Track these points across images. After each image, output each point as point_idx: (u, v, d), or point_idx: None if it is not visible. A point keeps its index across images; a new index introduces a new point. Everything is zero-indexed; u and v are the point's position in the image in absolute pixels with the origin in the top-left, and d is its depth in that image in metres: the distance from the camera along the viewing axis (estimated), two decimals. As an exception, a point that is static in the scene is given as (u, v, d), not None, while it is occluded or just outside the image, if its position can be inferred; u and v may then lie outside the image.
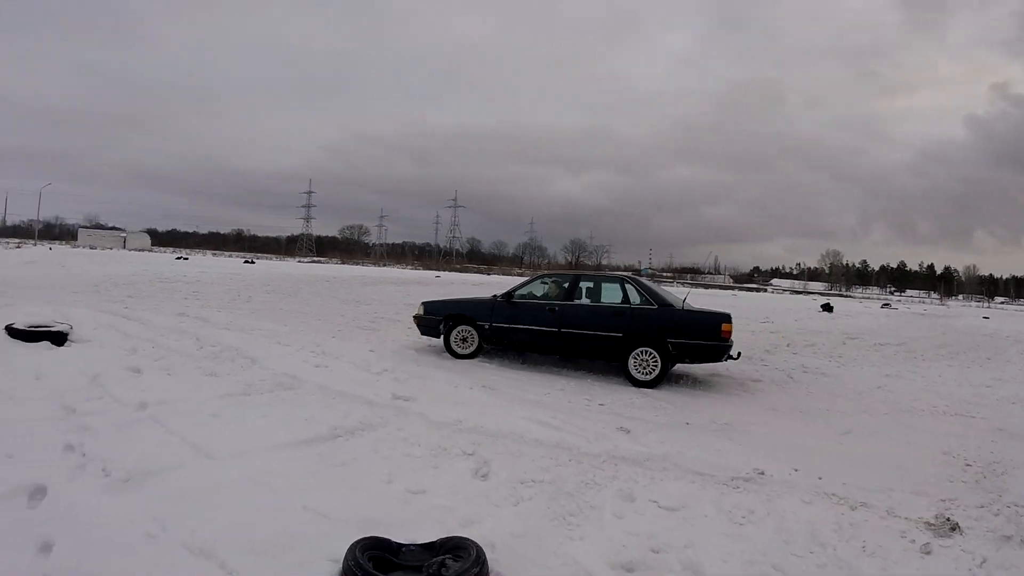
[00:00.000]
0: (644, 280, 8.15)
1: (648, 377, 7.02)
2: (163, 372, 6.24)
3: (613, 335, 7.19)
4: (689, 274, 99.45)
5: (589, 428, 4.88)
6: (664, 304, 7.31)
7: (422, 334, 8.72)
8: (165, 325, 8.95)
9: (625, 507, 3.43)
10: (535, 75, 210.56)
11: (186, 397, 5.34)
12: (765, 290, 75.64)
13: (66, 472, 3.69)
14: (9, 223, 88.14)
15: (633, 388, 6.99)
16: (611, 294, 7.64)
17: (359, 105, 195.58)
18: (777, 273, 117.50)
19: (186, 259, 43.03)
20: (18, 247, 42.13)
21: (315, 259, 79.18)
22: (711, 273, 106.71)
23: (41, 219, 78.89)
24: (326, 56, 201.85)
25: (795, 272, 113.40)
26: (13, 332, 7.35)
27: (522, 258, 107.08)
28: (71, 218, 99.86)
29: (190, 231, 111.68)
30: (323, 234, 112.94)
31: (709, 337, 6.93)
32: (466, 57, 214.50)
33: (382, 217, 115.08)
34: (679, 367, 8.15)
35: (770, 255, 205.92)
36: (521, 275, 51.78)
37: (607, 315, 7.34)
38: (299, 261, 68.65)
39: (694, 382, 7.79)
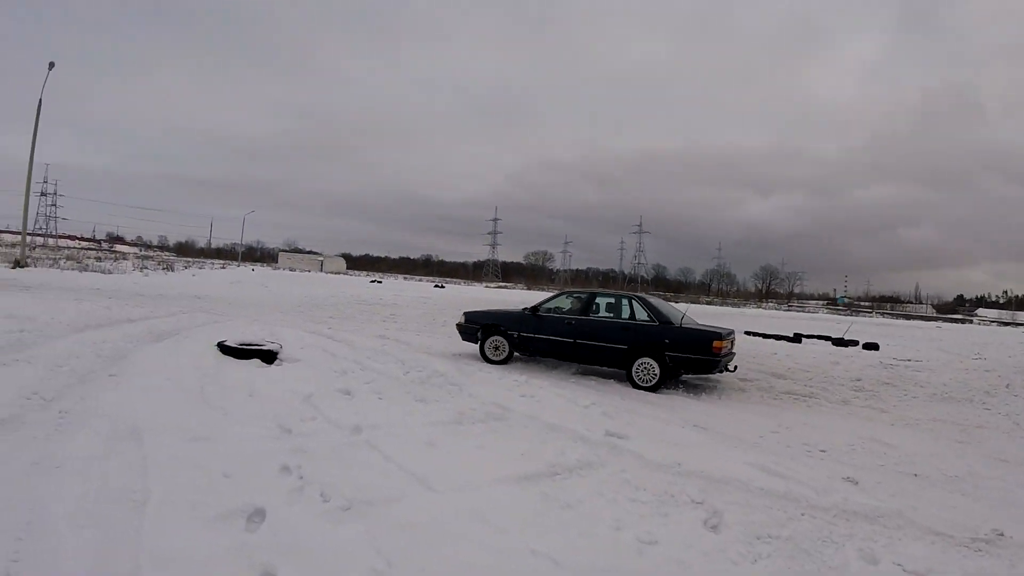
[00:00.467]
0: (650, 299, 12.45)
1: (648, 384, 11.16)
2: (374, 395, 8.44)
3: (619, 347, 11.58)
4: (888, 303, 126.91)
5: (815, 477, 6.19)
6: (665, 321, 11.48)
7: (463, 340, 13.67)
8: (370, 347, 12.43)
9: (870, 570, 4.37)
10: (717, 93, 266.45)
11: (399, 422, 7.15)
12: (970, 321, 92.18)
13: (284, 495, 4.92)
14: (215, 245, 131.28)
15: (859, 433, 9.11)
16: (620, 310, 12.20)
17: (541, 132, 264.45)
18: (982, 302, 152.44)
19: (380, 282, 61.01)
20: (223, 268, 58.95)
21: (501, 284, 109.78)
22: (911, 302, 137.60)
23: (244, 242, 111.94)
24: (508, 85, 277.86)
25: (1002, 300, 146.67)
26: (225, 349, 10.31)
27: (709, 285, 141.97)
28: (271, 242, 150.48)
29: (382, 256, 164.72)
30: (508, 260, 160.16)
31: (701, 352, 10.88)
32: (645, 79, 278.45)
33: (566, 243, 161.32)
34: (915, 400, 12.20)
35: (974, 282, 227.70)
36: (709, 303, 70.79)
37: (615, 329, 11.78)
38: (486, 286, 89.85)
39: (916, 422, 10.24)
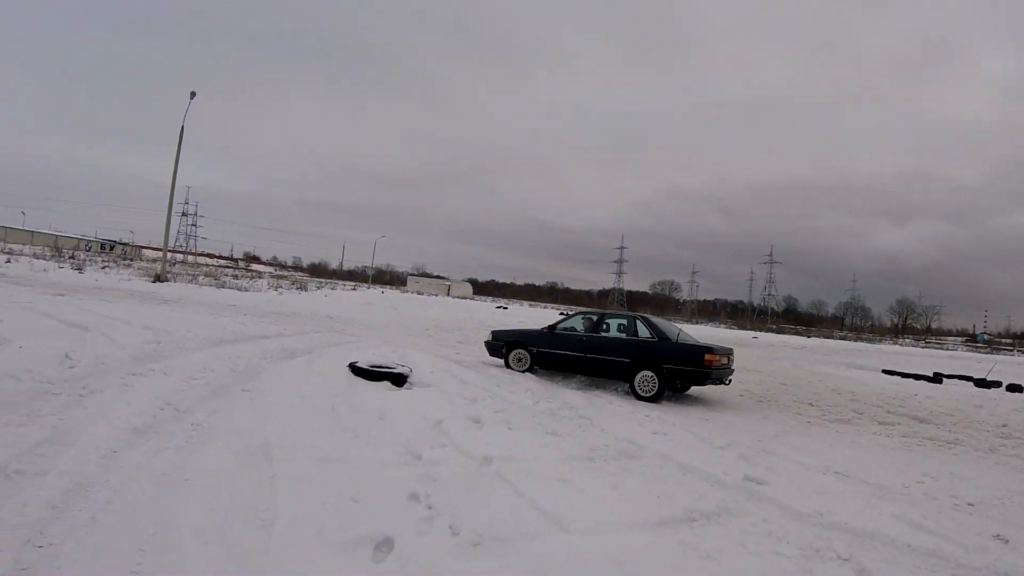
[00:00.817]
0: (652, 318, 14.48)
1: (648, 395, 12.72)
2: (504, 425, 8.49)
3: (623, 360, 13.26)
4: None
5: (964, 534, 6.02)
6: (663, 337, 13.21)
7: (489, 355, 15.77)
8: (498, 375, 12.86)
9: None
10: (846, 117, 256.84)
11: (530, 455, 7.15)
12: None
13: (412, 525, 4.95)
14: (346, 267, 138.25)
15: (1008, 485, 8.77)
16: (625, 328, 14.06)
17: (668, 160, 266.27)
18: None
19: (505, 308, 62.63)
20: (354, 289, 61.61)
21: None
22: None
23: (375, 265, 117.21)
24: (635, 113, 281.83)
25: None
26: (357, 370, 10.66)
27: (843, 319, 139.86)
28: (400, 265, 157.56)
29: (508, 282, 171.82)
30: (634, 288, 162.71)
31: (694, 364, 12.55)
32: (772, 103, 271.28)
33: (694, 273, 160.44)
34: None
35: None
36: (842, 338, 72.40)
37: (620, 345, 13.49)
38: None
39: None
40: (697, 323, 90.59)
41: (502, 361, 15.30)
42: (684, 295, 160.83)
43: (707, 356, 12.62)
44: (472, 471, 6.39)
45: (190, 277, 42.52)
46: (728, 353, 13.64)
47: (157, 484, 5.23)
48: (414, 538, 4.75)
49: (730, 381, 14.14)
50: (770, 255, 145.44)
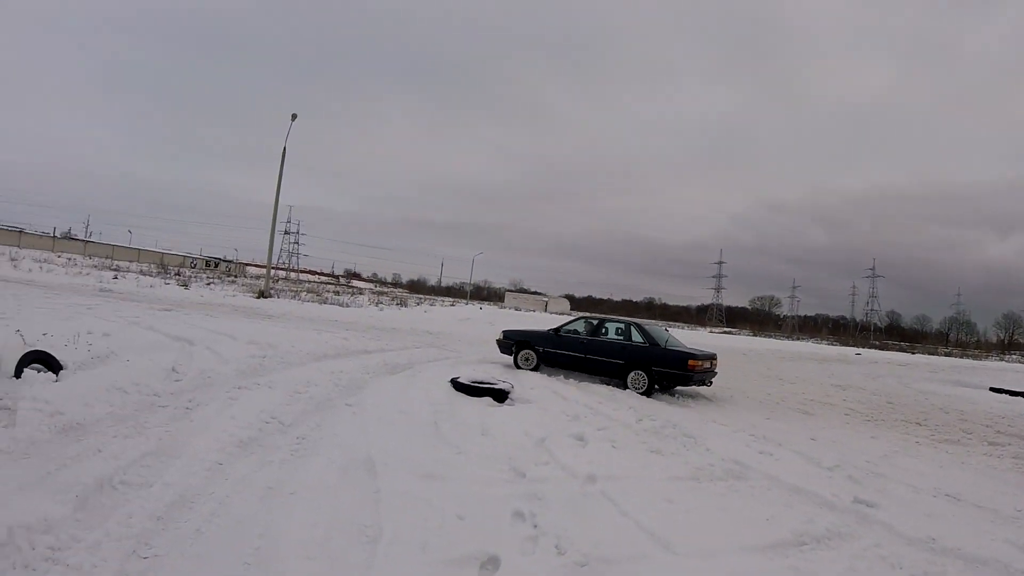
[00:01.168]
0: (645, 325, 16.06)
1: (640, 390, 14.19)
2: (607, 443, 8.33)
3: (617, 362, 14.89)
4: None
5: None
6: (654, 343, 14.83)
7: (500, 352, 17.33)
8: (599, 391, 12.85)
9: None
10: (948, 123, 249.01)
11: (635, 475, 7.01)
12: None
13: (518, 543, 4.86)
14: (444, 283, 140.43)
15: None
16: (621, 333, 15.64)
17: (765, 171, 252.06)
18: None
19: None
20: (452, 305, 62.39)
21: (726, 329, 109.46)
22: None
23: (472, 281, 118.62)
24: (730, 123, 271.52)
25: None
26: (458, 386, 10.76)
27: (947, 335, 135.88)
28: (498, 281, 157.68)
29: (604, 297, 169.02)
30: (733, 304, 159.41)
31: (678, 368, 13.99)
32: (873, 111, 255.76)
33: (794, 288, 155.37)
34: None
35: None
36: (947, 354, 71.14)
37: (616, 348, 15.12)
38: (710, 331, 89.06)
39: None
40: (798, 339, 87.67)
41: (511, 357, 16.85)
42: (784, 311, 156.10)
43: (690, 361, 14.12)
44: (576, 490, 6.30)
45: (293, 293, 43.81)
46: (711, 358, 15.25)
47: (262, 497, 5.29)
48: (520, 557, 4.68)
49: (711, 383, 15.49)
50: (872, 269, 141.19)
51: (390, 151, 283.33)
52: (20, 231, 79.63)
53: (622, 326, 15.99)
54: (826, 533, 5.77)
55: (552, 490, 6.18)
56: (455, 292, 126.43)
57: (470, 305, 69.39)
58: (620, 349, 15.06)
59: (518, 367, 16.24)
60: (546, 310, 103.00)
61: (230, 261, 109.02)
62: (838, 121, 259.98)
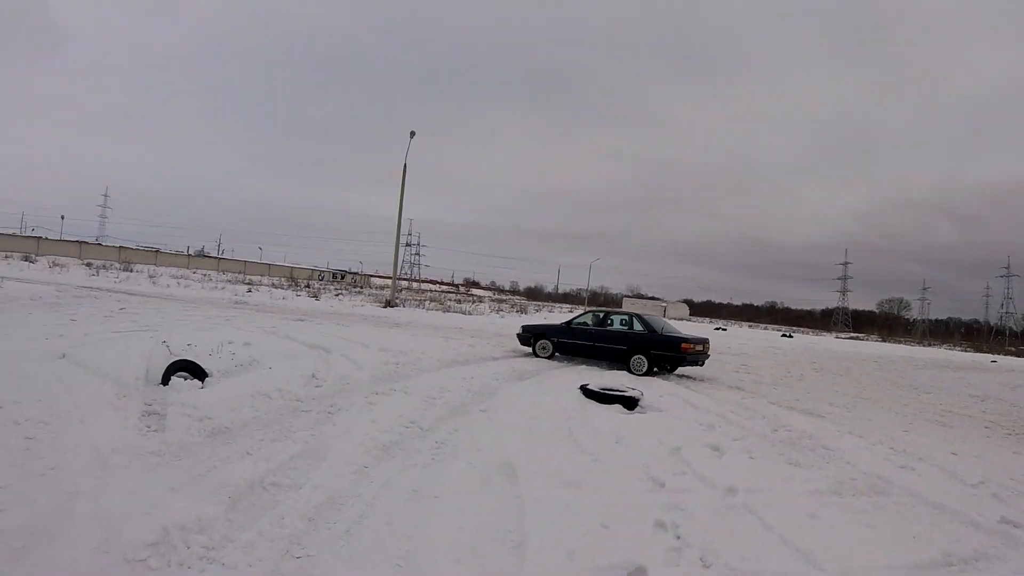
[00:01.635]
0: (644, 315, 18.85)
1: (640, 373, 16.25)
2: (744, 454, 8.07)
3: (621, 347, 17.16)
4: None
5: None
6: (652, 330, 17.36)
7: (520, 344, 19.08)
8: (730, 400, 12.39)
9: None
10: None
11: (775, 488, 6.75)
12: None
13: (662, 554, 4.75)
14: (561, 291, 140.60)
15: None
16: (624, 323, 18.16)
17: (891, 167, 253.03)
18: None
19: (724, 330, 59.58)
20: (570, 312, 62.61)
21: (853, 335, 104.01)
22: None
23: (589, 288, 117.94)
24: (850, 118, 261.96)
25: None
26: (588, 393, 10.65)
27: None
28: (614, 287, 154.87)
29: (724, 302, 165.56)
30: (860, 307, 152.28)
31: (672, 351, 16.54)
32: (1001, 98, 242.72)
33: (924, 289, 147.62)
34: None
35: None
36: None
37: (620, 336, 17.51)
38: (836, 336, 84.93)
39: None
40: (929, 345, 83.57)
41: (530, 348, 18.80)
42: (914, 314, 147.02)
43: (683, 345, 16.44)
44: (717, 502, 6.13)
45: (417, 302, 44.82)
46: (703, 342, 17.41)
47: (407, 500, 5.37)
48: (664, 568, 4.58)
49: (704, 363, 17.84)
50: (1007, 268, 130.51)
51: (503, 162, 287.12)
52: (156, 250, 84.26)
53: (625, 317, 18.54)
54: (973, 554, 5.50)
55: (692, 501, 6.03)
56: (572, 299, 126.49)
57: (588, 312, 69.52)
58: (623, 336, 17.41)
59: (536, 355, 18.27)
60: (664, 315, 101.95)
61: (355, 273, 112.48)
62: (967, 110, 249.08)
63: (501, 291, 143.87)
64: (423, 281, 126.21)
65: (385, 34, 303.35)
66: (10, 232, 76.97)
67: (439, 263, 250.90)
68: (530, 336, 19.14)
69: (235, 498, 5.01)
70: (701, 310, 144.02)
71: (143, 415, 6.92)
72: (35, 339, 9.58)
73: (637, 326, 17.61)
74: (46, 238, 75.64)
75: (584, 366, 16.58)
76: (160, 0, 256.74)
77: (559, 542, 4.74)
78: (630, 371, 16.43)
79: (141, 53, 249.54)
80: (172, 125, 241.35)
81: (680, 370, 17.59)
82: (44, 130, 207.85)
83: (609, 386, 11.02)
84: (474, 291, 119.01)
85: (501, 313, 41.81)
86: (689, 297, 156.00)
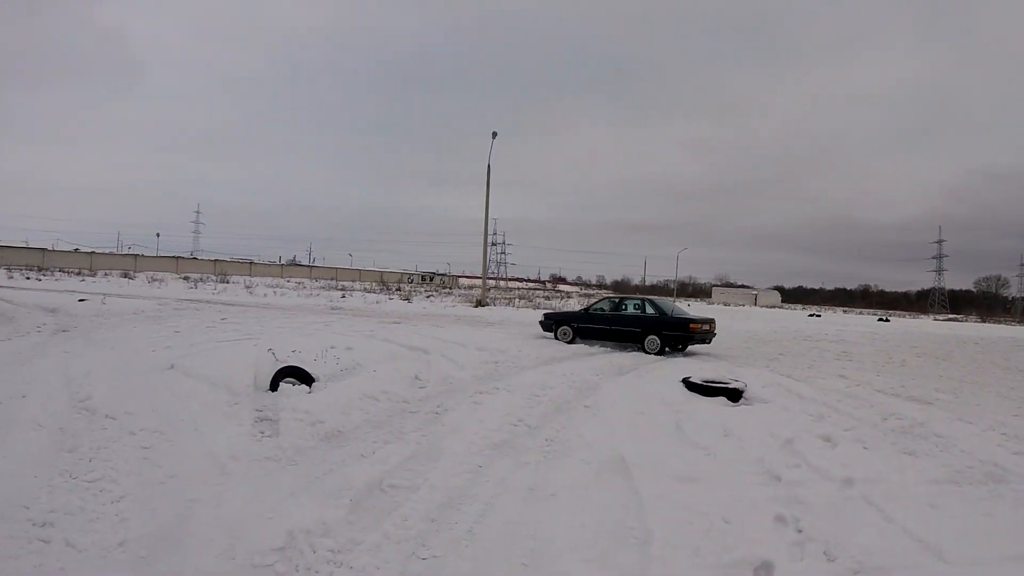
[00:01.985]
0: (656, 300, 20.77)
1: (654, 352, 17.62)
2: (857, 444, 7.79)
3: (636, 329, 18.66)
4: None
5: None
6: (663, 313, 19.05)
7: (543, 331, 20.32)
8: (834, 388, 11.89)
9: None
10: None
11: (891, 478, 6.52)
12: None
13: (785, 549, 4.65)
14: (648, 283, 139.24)
15: None
16: (637, 308, 19.69)
17: (979, 138, 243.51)
18: None
19: (819, 316, 58.09)
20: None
21: (951, 316, 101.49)
22: None
23: (677, 279, 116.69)
24: (936, 89, 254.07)
25: None
26: (691, 385, 10.48)
27: None
28: (702, 277, 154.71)
29: (815, 287, 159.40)
30: (957, 287, 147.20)
31: (681, 331, 18.02)
32: None
33: (1022, 265, 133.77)
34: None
35: None
36: None
37: (634, 319, 19.01)
38: (934, 319, 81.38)
39: None
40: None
41: (552, 334, 19.92)
42: (1013, 292, 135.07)
43: (691, 325, 17.92)
44: (835, 494, 5.97)
45: (507, 301, 45.00)
46: (709, 322, 19.07)
47: (524, 498, 5.38)
48: (790, 563, 4.50)
49: (711, 341, 19.23)
50: None
51: (583, 156, 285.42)
52: (250, 262, 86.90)
53: (638, 302, 19.95)
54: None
55: (810, 494, 5.89)
56: (660, 290, 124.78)
57: (677, 303, 68.82)
58: (637, 319, 18.83)
59: (556, 339, 19.47)
60: (755, 303, 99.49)
61: (444, 274, 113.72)
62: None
63: (588, 286, 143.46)
64: (510, 280, 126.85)
65: (456, 35, 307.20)
66: (109, 251, 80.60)
67: (524, 261, 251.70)
68: (551, 323, 20.36)
69: (355, 501, 5.10)
70: (793, 296, 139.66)
71: (256, 421, 7.10)
72: (142, 351, 9.95)
73: (649, 310, 19.20)
74: (143, 255, 78.80)
75: (682, 359, 16.33)
76: (239, 27, 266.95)
77: (683, 538, 4.68)
78: (644, 351, 17.84)
79: (225, 76, 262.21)
80: (258, 141, 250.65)
81: (780, 361, 17.07)
82: (137, 155, 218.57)
83: (711, 378, 10.79)
84: (560, 287, 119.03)
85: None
86: (779, 284, 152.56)
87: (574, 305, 40.98)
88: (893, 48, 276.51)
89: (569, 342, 19.24)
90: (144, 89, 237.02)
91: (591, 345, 18.56)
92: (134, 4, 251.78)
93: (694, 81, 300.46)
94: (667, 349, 17.92)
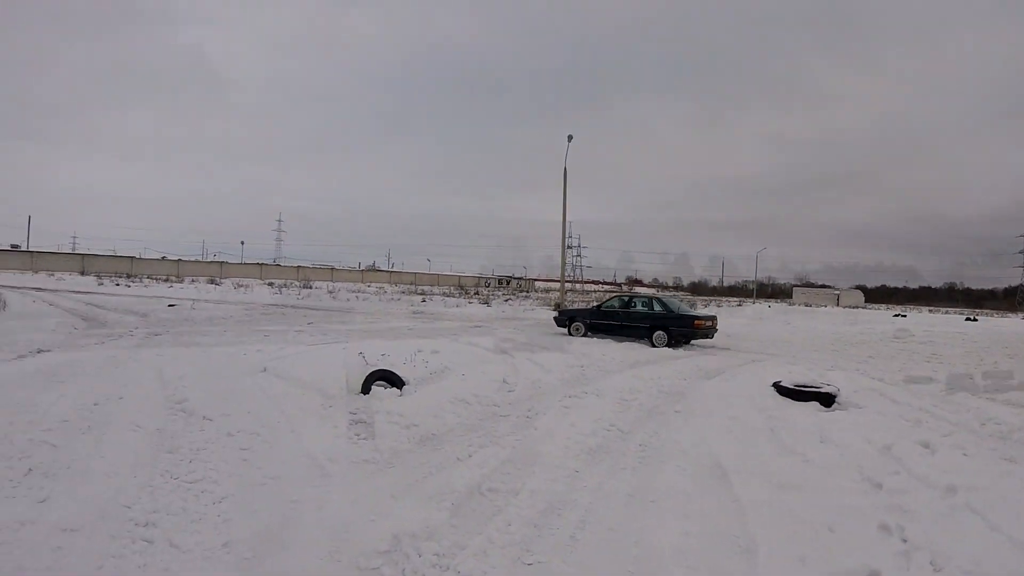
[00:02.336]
0: (664, 297, 22.80)
1: (661, 345, 19.20)
2: (957, 451, 7.43)
3: (644, 325, 20.43)
4: None
5: None
6: (669, 310, 21.11)
7: (557, 327, 22.43)
8: (930, 393, 11.52)
9: None
10: None
11: (994, 486, 6.12)
12: None
13: (891, 559, 4.49)
14: (726, 283, 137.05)
15: None
16: (647, 305, 21.78)
17: None
18: None
19: (904, 316, 55.22)
20: (739, 305, 60.90)
21: None
22: None
23: (756, 280, 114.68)
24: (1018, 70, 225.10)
25: None
26: (782, 390, 10.20)
27: None
28: (781, 277, 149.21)
29: (899, 286, 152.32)
30: None
31: (686, 326, 19.97)
32: None
33: None
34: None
35: None
36: None
37: (643, 315, 21.03)
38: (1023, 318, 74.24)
39: None
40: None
41: (565, 329, 21.68)
42: None
43: (696, 321, 19.73)
44: (938, 502, 5.69)
45: (584, 303, 44.86)
46: (712, 319, 20.68)
47: (624, 504, 5.33)
48: (897, 573, 4.35)
49: (713, 336, 20.65)
50: None
51: (658, 156, 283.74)
52: (332, 268, 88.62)
53: (646, 299, 21.92)
54: None
55: (912, 502, 5.64)
56: (738, 291, 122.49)
57: (757, 304, 67.26)
58: (645, 316, 20.45)
59: (570, 335, 21.10)
60: (838, 304, 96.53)
61: (520, 278, 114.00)
62: None
63: (665, 287, 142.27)
64: (586, 282, 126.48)
65: (526, 38, 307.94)
66: (194, 259, 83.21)
67: (600, 263, 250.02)
68: (565, 319, 22.26)
69: (457, 504, 5.14)
70: (876, 296, 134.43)
71: (351, 423, 7.22)
72: (234, 355, 10.20)
73: (657, 307, 20.91)
74: (228, 262, 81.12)
75: (768, 361, 15.77)
76: (314, 40, 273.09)
77: (788, 547, 4.58)
78: (652, 345, 19.16)
79: (304, 90, 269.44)
80: (335, 151, 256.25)
81: (867, 362, 16.73)
82: (218, 166, 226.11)
83: (802, 382, 10.54)
84: (637, 289, 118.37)
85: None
86: (862, 282, 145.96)
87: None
88: (979, 25, 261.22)
89: (583, 336, 20.93)
90: (225, 103, 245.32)
91: (675, 348, 18.76)
92: (210, 23, 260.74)
93: (772, 73, 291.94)
94: (673, 343, 19.37)
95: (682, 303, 23.41)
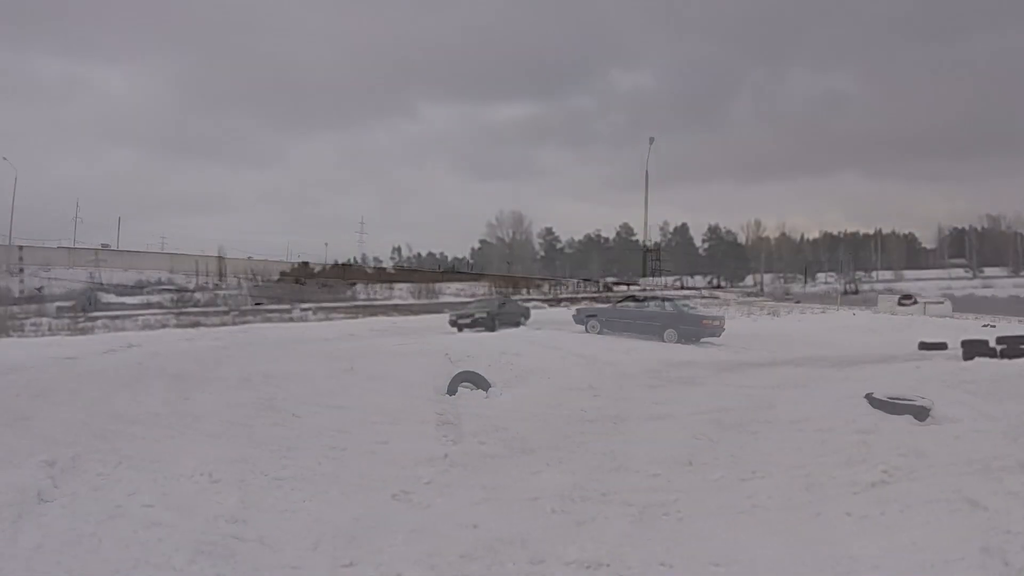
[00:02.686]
0: (673, 297, 29.86)
1: (672, 342, 20.68)
2: None
3: (656, 324, 22.10)
4: None
5: None
6: (679, 310, 23.67)
7: (575, 324, 23.56)
8: None
9: None
10: None
11: None
12: None
13: None
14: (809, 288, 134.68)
15: None
16: (658, 305, 24.37)
17: None
18: None
19: (993, 327, 52.09)
20: (822, 312, 59.28)
21: None
22: None
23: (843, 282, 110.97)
24: None
25: None
26: (874, 402, 9.74)
27: None
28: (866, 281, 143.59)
29: (987, 295, 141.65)
30: None
31: (695, 325, 22.04)
32: None
33: None
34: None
35: None
36: None
37: (654, 314, 23.04)
38: None
39: None
40: None
41: (583, 327, 22.55)
42: None
43: (703, 320, 21.70)
44: None
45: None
46: (720, 319, 22.71)
47: (717, 516, 5.25)
48: None
49: (720, 335, 21.65)
50: None
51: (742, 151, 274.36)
52: (413, 269, 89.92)
53: (658, 299, 24.38)
54: None
55: (1013, 523, 5.37)
56: (822, 297, 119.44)
57: (840, 311, 65.01)
58: (657, 315, 22.03)
59: (587, 331, 22.21)
60: (924, 313, 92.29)
61: (598, 281, 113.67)
62: None
63: (748, 292, 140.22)
64: (666, 288, 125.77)
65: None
66: (278, 259, 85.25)
67: (679, 268, 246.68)
68: (583, 317, 23.55)
69: (549, 511, 5.09)
70: (963, 306, 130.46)
71: (438, 424, 7.28)
72: (318, 353, 10.36)
73: (668, 307, 22.85)
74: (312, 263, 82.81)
75: (855, 371, 14.41)
76: (391, 52, 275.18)
77: (889, 567, 4.50)
78: (663, 341, 20.45)
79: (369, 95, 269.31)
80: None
81: (953, 374, 15.93)
82: (309, 173, 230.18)
83: (895, 394, 10.17)
84: (718, 293, 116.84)
85: (753, 316, 39.58)
86: (949, 291, 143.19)
87: (734, 313, 39.86)
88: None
89: (598, 333, 22.25)
90: (304, 112, 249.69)
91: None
92: (288, 33, 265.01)
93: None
94: (683, 340, 20.58)
95: (689, 303, 26.87)
